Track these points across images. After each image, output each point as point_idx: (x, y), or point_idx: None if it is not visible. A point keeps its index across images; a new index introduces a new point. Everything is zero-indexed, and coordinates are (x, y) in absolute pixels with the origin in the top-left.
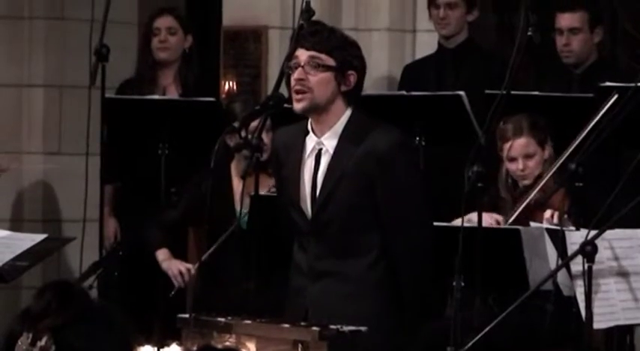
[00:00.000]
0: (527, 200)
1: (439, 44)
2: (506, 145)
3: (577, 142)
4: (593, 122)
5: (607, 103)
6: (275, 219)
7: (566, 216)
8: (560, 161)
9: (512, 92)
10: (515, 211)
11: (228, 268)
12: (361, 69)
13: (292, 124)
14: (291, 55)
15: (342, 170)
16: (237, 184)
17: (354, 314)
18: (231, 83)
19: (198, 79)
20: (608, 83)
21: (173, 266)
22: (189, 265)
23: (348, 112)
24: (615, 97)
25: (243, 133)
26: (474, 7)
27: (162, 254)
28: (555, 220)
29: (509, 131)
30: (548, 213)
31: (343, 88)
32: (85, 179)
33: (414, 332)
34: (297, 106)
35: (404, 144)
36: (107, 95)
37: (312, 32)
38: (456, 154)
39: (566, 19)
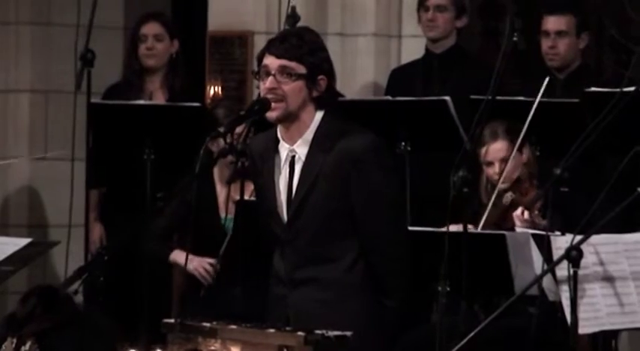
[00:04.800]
0: (491, 202)
1: (426, 49)
2: (483, 150)
3: (522, 133)
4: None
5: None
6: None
7: (536, 212)
8: (512, 156)
9: (498, 97)
10: (483, 216)
11: (218, 279)
12: (330, 72)
13: (264, 132)
14: (259, 61)
15: (316, 175)
16: (220, 190)
17: (334, 320)
18: (216, 88)
19: (184, 84)
20: (593, 88)
21: (199, 267)
22: (211, 260)
23: (317, 117)
24: (547, 80)
25: (228, 139)
26: (464, 13)
27: (179, 256)
28: (526, 216)
29: (486, 136)
30: (519, 210)
31: (314, 94)
32: (70, 184)
33: (394, 335)
34: (272, 115)
35: (377, 147)
36: (93, 100)
37: (280, 39)
38: (441, 159)
39: (553, 22)
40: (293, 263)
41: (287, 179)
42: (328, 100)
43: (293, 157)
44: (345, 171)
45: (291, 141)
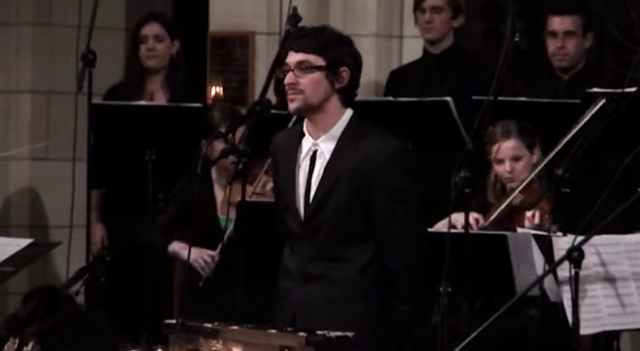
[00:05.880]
0: (506, 203)
1: (424, 50)
2: (494, 147)
3: (561, 146)
4: (577, 127)
5: (594, 107)
6: (262, 224)
7: (547, 216)
8: (543, 164)
9: (500, 98)
10: (494, 212)
11: (216, 273)
12: (354, 65)
13: (289, 128)
14: (281, 60)
15: (338, 175)
16: (218, 192)
17: (341, 319)
18: (217, 89)
19: (186, 84)
20: (595, 89)
21: (198, 258)
22: (212, 252)
23: (346, 116)
24: (602, 102)
25: (230, 139)
26: (460, 13)
27: (178, 247)
28: (537, 220)
29: (498, 134)
30: (529, 213)
31: (337, 86)
32: (72, 185)
33: (404, 341)
34: (291, 107)
35: (401, 153)
36: (94, 101)
37: (300, 35)
38: (443, 159)
39: (561, 23)
40: (307, 258)
41: (307, 173)
42: (354, 92)
43: (315, 151)
44: (367, 175)
45: (316, 135)
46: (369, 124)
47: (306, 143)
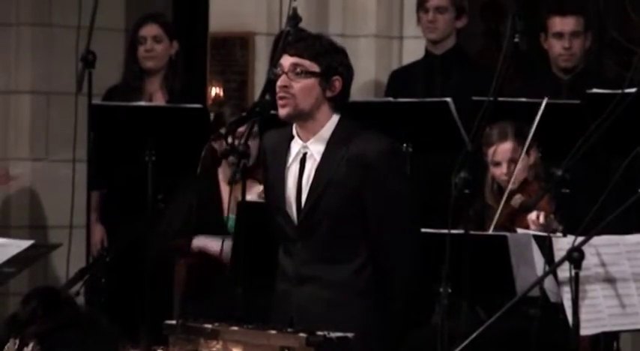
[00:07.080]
0: (500, 208)
1: (426, 50)
2: (491, 150)
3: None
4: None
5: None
6: (262, 225)
7: (552, 216)
8: (522, 154)
9: (500, 99)
10: (493, 220)
11: (215, 274)
12: (347, 75)
13: (279, 128)
14: (276, 62)
15: (330, 176)
16: (224, 190)
17: (339, 321)
18: (217, 89)
19: (184, 85)
20: (595, 90)
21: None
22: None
23: (334, 119)
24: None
25: (229, 140)
26: (464, 14)
27: (203, 242)
28: (542, 220)
29: (494, 136)
30: (534, 214)
31: (328, 94)
32: (71, 185)
33: (399, 340)
34: (282, 112)
35: (393, 151)
36: (94, 102)
37: (297, 39)
38: (443, 160)
39: (567, 23)
40: (301, 260)
41: (296, 176)
42: (344, 102)
43: (305, 153)
44: (358, 175)
45: (306, 138)
46: (358, 125)
47: (295, 145)
